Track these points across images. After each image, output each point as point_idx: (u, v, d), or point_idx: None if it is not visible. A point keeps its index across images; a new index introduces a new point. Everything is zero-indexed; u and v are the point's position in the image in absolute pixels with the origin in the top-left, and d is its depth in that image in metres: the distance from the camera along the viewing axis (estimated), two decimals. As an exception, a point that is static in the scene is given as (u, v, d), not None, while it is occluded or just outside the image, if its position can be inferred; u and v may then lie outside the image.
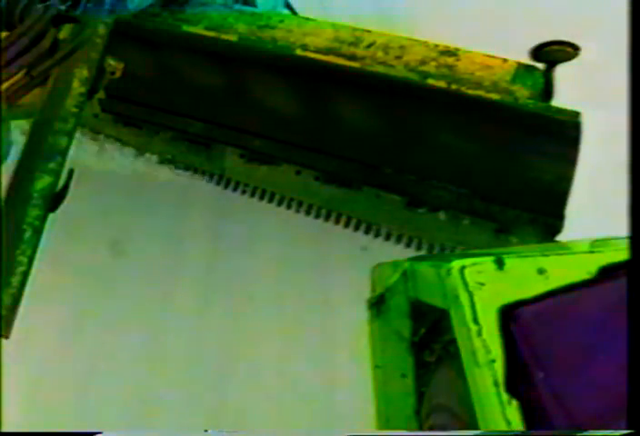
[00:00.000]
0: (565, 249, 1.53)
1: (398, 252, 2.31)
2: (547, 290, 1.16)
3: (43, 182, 1.60)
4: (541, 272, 1.20)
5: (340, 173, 2.34)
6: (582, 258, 1.24)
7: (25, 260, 1.51)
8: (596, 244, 1.34)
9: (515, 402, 1.08)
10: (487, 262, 1.22)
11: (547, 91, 1.89)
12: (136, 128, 2.62)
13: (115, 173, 2.73)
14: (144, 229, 2.63)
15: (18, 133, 1.88)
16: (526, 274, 1.20)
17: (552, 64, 1.86)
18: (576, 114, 1.83)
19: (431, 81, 1.96)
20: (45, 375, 2.29)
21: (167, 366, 2.33)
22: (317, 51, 2.10)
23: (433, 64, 2.02)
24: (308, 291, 2.43)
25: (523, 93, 1.92)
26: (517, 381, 1.09)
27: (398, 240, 2.39)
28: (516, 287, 1.19)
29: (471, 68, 1.99)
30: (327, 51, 2.10)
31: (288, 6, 2.57)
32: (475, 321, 1.16)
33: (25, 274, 1.50)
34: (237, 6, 2.36)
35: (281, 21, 2.24)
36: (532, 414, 1.07)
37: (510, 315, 1.13)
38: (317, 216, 2.47)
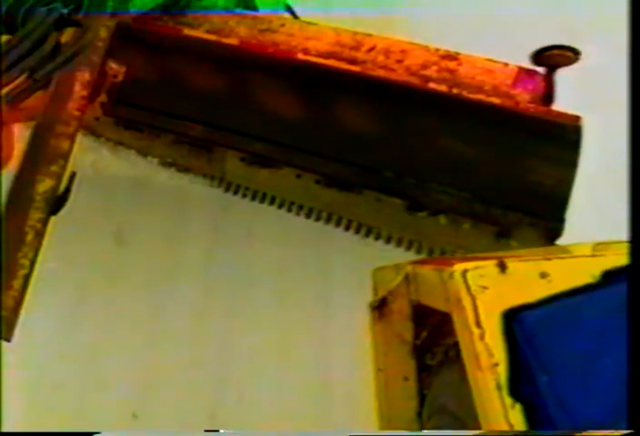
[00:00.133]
0: (567, 252, 1.53)
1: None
2: (550, 293, 1.16)
3: (45, 185, 1.60)
4: (543, 275, 1.20)
5: (341, 177, 2.34)
6: (584, 261, 1.25)
7: (26, 263, 1.51)
8: (598, 248, 1.34)
9: (518, 406, 1.08)
10: (490, 266, 1.22)
11: (548, 95, 1.90)
12: (137, 131, 2.62)
13: (114, 176, 2.74)
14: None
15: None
16: (529, 278, 1.20)
17: (553, 69, 1.87)
18: (577, 118, 1.83)
19: (432, 85, 1.96)
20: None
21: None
22: (318, 55, 2.10)
23: (434, 68, 2.02)
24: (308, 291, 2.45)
25: (524, 97, 1.92)
26: (521, 385, 1.09)
27: (398, 243, 2.40)
28: (519, 291, 1.19)
29: (472, 72, 1.99)
30: (328, 55, 2.10)
31: (289, 10, 2.57)
32: (478, 324, 1.16)
33: (27, 277, 1.50)
34: (239, 10, 2.36)
35: (282, 25, 2.25)
36: (535, 418, 1.07)
37: (514, 319, 1.13)
38: (318, 219, 2.47)
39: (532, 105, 1.89)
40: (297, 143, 2.35)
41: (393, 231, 2.40)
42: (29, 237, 1.53)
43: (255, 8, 2.42)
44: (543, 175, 2.00)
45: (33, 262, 1.52)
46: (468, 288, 1.20)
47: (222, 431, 2.00)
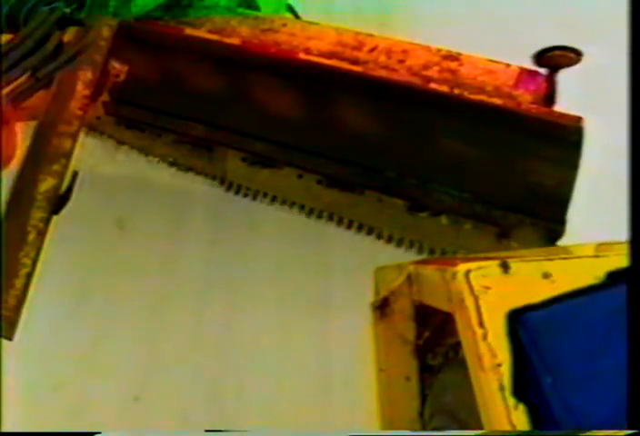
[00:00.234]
0: (570, 253, 1.53)
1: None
2: (553, 294, 1.16)
3: (47, 184, 1.61)
4: (546, 276, 1.20)
5: (342, 177, 2.34)
6: (587, 262, 1.25)
7: (28, 262, 1.51)
8: (601, 249, 1.34)
9: (521, 406, 1.08)
10: (493, 266, 1.22)
11: (550, 96, 1.90)
12: (139, 131, 2.62)
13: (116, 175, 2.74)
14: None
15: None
16: (531, 278, 1.20)
17: (554, 70, 1.87)
18: (578, 119, 1.83)
19: (433, 85, 1.96)
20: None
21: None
22: (320, 55, 2.10)
23: (435, 68, 2.02)
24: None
25: (525, 98, 1.92)
26: (525, 386, 1.09)
27: (399, 244, 2.40)
28: (522, 291, 1.19)
29: (474, 73, 1.99)
30: (330, 55, 2.10)
31: (291, 10, 2.57)
32: (481, 324, 1.16)
33: (29, 276, 1.51)
34: (240, 10, 2.36)
35: (284, 25, 2.24)
36: (539, 418, 1.07)
37: (517, 319, 1.13)
38: (319, 219, 2.47)
39: (533, 106, 1.89)
40: (299, 143, 2.35)
41: (394, 231, 2.40)
42: (31, 236, 1.53)
43: (256, 8, 2.42)
44: (544, 176, 2.00)
45: (35, 262, 1.53)
46: (471, 288, 1.20)
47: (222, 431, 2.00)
